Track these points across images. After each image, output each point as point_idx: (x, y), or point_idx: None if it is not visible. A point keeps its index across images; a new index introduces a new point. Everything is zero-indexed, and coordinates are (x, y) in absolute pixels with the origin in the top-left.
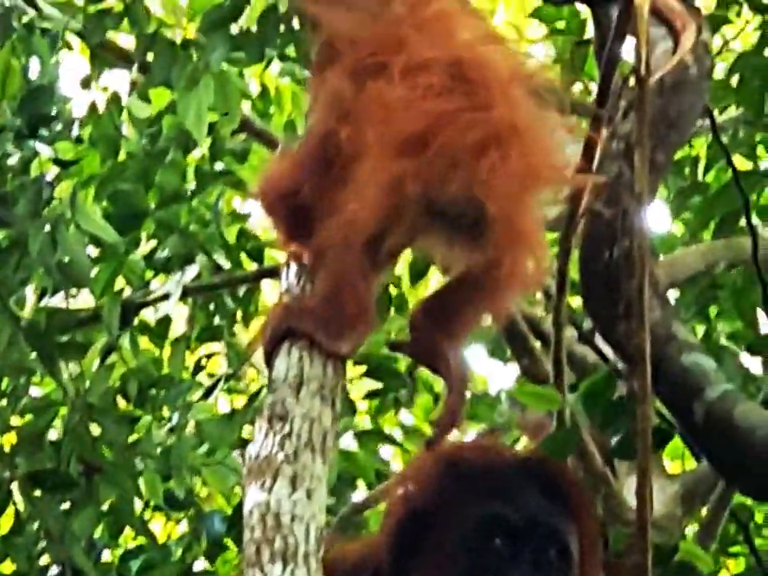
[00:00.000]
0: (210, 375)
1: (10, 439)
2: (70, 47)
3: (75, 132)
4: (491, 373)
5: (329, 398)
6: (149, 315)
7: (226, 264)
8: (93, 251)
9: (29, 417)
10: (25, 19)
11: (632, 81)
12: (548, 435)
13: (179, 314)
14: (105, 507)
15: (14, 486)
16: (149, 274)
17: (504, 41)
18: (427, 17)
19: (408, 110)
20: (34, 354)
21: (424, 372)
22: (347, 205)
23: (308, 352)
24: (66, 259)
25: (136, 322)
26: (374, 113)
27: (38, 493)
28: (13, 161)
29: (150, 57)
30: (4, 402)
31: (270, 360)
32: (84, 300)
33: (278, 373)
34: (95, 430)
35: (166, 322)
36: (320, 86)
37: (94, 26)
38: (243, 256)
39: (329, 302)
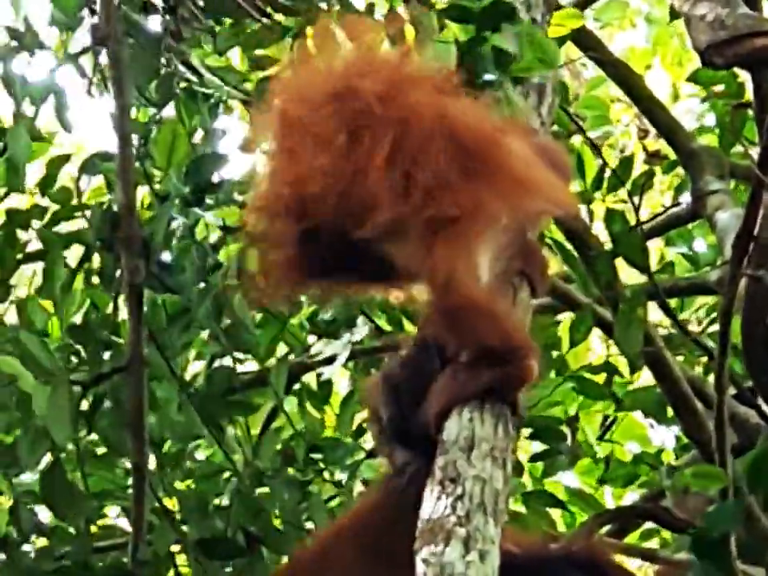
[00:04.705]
0: None
1: (173, 504)
2: (230, 110)
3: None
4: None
5: (500, 460)
6: (309, 379)
7: (388, 327)
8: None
9: (195, 483)
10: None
11: None
12: (713, 509)
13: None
14: None
15: (174, 548)
16: (309, 338)
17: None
18: None
19: None
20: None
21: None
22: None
23: (479, 414)
24: (231, 324)
25: (298, 386)
26: None
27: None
28: (175, 225)
29: None
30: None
31: (439, 424)
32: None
33: (449, 435)
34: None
35: (328, 385)
36: None
37: (261, 93)
38: (404, 319)
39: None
